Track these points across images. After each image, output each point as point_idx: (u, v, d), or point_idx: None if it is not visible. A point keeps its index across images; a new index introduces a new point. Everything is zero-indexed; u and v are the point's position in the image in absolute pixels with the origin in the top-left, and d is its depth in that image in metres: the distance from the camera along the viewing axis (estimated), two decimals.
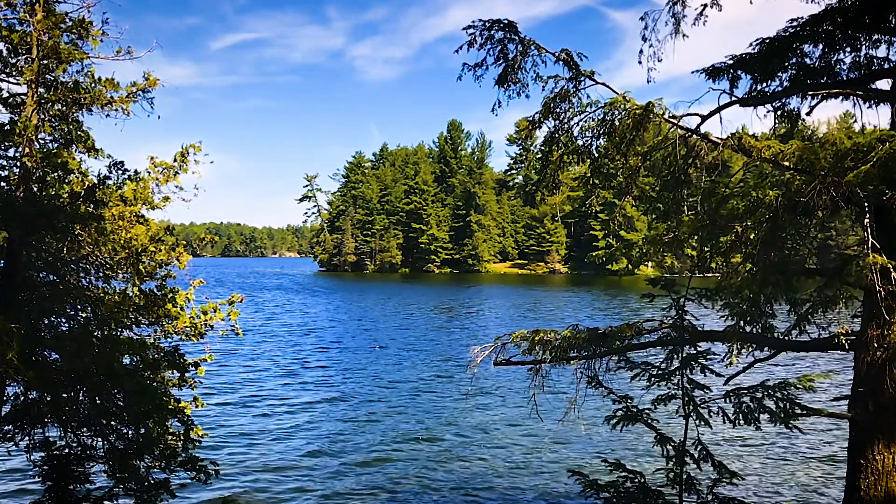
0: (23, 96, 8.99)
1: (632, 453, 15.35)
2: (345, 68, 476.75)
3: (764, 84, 8.71)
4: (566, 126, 8.31)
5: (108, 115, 9.29)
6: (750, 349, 8.31)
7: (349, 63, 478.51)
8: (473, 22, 7.93)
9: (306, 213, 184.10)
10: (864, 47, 8.54)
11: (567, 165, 8.71)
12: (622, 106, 7.93)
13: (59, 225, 8.37)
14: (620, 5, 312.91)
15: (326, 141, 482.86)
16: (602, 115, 8.08)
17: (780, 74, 8.64)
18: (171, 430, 9.16)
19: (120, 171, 9.40)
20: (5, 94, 9.01)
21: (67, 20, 8.87)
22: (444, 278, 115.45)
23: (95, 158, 9.43)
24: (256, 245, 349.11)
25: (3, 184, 8.80)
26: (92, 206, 8.59)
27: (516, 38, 7.97)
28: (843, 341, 7.89)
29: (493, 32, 7.95)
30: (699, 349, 7.66)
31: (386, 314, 48.74)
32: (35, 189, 8.82)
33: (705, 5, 8.41)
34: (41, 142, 9.06)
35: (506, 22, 7.94)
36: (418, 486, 13.55)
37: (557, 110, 8.15)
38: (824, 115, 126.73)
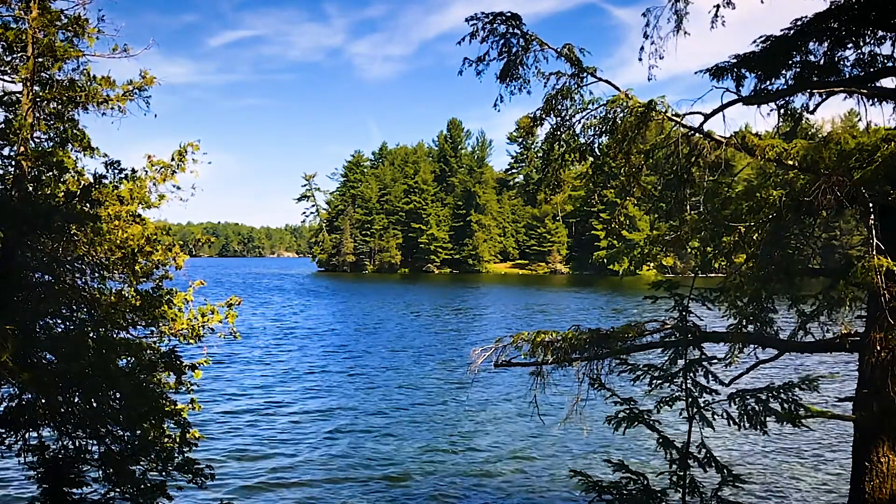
0: (18, 94, 8.90)
1: (634, 456, 15.26)
2: (344, 66, 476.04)
3: (768, 82, 8.64)
4: (568, 123, 8.22)
5: (104, 114, 9.19)
6: (754, 350, 8.23)
7: (348, 61, 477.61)
8: (476, 14, 7.84)
9: (304, 212, 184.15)
10: (868, 45, 8.47)
11: (569, 164, 8.62)
12: (624, 103, 7.84)
13: (55, 225, 8.28)
14: (623, 2, 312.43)
15: (325, 140, 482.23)
16: (604, 113, 7.99)
17: (784, 72, 8.56)
18: (167, 433, 9.05)
19: (116, 171, 9.30)
20: (0, 93, 8.92)
21: (63, 18, 8.78)
22: (444, 279, 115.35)
23: (91, 157, 9.33)
24: (254, 245, 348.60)
25: None
26: (88, 205, 8.50)
27: (519, 32, 7.88)
28: (848, 343, 7.82)
29: (496, 25, 7.85)
30: (703, 350, 7.58)
31: (387, 315, 48.64)
32: (30, 188, 8.73)
33: (718, 6, 8.32)
34: (36, 140, 8.97)
35: (509, 14, 7.84)
36: (419, 487, 13.46)
37: (559, 107, 8.06)
38: (828, 113, 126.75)
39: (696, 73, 8.97)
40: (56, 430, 8.84)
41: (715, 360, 7.53)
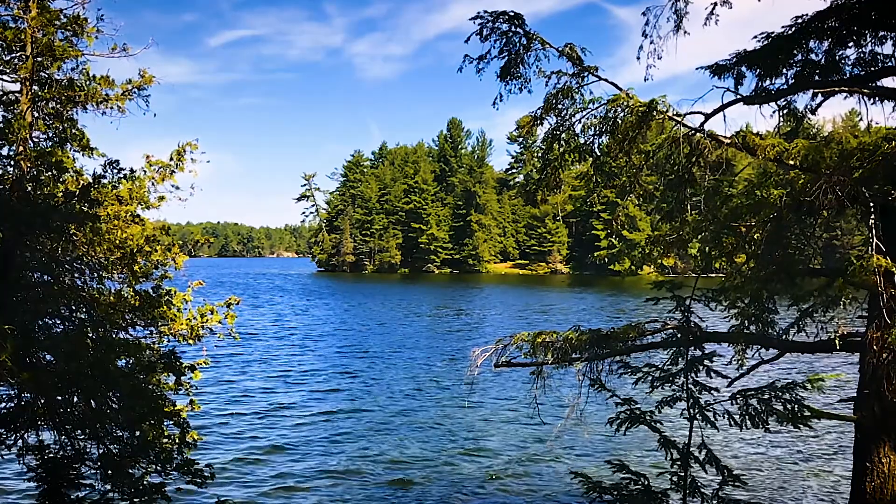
0: (17, 94, 8.87)
1: (635, 456, 15.24)
2: (344, 66, 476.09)
3: (768, 80, 8.62)
4: (568, 123, 8.20)
5: (103, 113, 9.17)
6: (757, 351, 8.22)
7: (348, 60, 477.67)
8: (480, 12, 7.84)
9: (304, 212, 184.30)
10: (869, 44, 8.46)
11: (568, 164, 8.60)
12: (625, 103, 7.82)
13: (54, 224, 8.25)
14: (624, 2, 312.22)
15: (325, 139, 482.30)
16: (605, 112, 7.97)
17: (784, 71, 8.54)
18: (166, 434, 9.03)
19: (115, 170, 9.27)
20: None
21: (62, 17, 8.76)
22: (445, 279, 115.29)
23: (90, 157, 9.31)
24: (254, 245, 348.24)
25: None
26: (87, 205, 8.47)
27: (521, 30, 7.87)
28: (848, 343, 7.81)
29: (498, 24, 7.85)
30: (704, 351, 7.55)
31: (389, 316, 48.59)
32: (29, 188, 8.71)
33: (715, 3, 8.29)
34: (35, 140, 8.95)
35: (512, 14, 7.84)
36: (419, 489, 13.44)
37: (559, 106, 8.04)
38: (829, 112, 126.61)
39: (696, 69, 8.98)
40: (55, 430, 8.81)
41: (716, 360, 7.49)
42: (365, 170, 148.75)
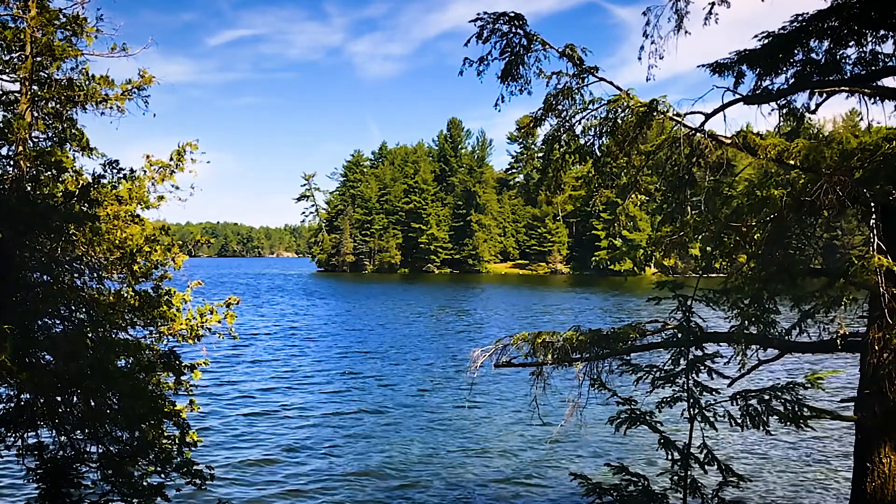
0: (16, 94, 8.86)
1: (636, 457, 15.23)
2: (344, 65, 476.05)
3: (768, 79, 8.60)
4: (568, 124, 8.18)
5: (102, 113, 9.16)
6: (756, 350, 8.20)
7: (348, 60, 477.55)
8: (480, 14, 7.81)
9: (304, 212, 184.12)
10: (869, 43, 8.44)
11: (569, 165, 8.58)
12: (625, 103, 7.81)
13: (53, 225, 8.24)
14: (624, 1, 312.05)
15: (325, 139, 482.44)
16: (605, 113, 7.96)
17: (785, 70, 8.53)
18: (166, 434, 9.02)
19: (115, 170, 9.27)
20: None
21: (61, 17, 8.75)
22: (445, 279, 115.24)
23: (90, 157, 9.31)
24: (253, 245, 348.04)
25: None
26: (86, 205, 8.47)
27: (521, 31, 7.84)
28: (849, 343, 7.79)
29: (499, 25, 7.82)
30: (705, 351, 7.54)
31: (390, 317, 48.57)
32: (29, 188, 8.71)
33: (713, 3, 8.27)
34: (35, 140, 8.94)
35: (512, 14, 7.82)
36: (421, 490, 13.43)
37: (560, 107, 8.02)
38: (830, 112, 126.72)
39: (697, 66, 8.97)
40: (55, 430, 8.81)
41: (717, 360, 7.49)
42: (365, 170, 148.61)
